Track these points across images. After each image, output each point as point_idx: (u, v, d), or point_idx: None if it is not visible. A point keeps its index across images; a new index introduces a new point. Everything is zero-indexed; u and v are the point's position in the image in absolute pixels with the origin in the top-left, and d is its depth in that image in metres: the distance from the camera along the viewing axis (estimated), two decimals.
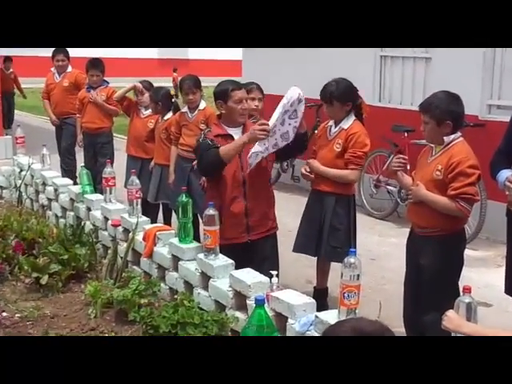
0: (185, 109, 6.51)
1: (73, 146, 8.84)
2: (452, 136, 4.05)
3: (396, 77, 8.81)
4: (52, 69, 9.03)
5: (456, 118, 4.04)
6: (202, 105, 6.44)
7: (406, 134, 7.91)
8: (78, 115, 8.35)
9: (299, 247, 5.36)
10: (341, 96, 5.06)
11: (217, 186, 4.66)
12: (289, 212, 6.68)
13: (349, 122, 5.12)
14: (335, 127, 5.14)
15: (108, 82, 8.26)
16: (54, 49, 8.78)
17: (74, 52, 8.73)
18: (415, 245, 4.25)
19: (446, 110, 4.00)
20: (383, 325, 2.00)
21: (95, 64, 8.10)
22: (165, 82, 28.57)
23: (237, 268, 4.26)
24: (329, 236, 5.10)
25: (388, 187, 8.28)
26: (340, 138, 5.09)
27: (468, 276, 4.16)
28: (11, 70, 15.59)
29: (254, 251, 4.69)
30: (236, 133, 4.67)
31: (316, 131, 6.63)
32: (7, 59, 15.49)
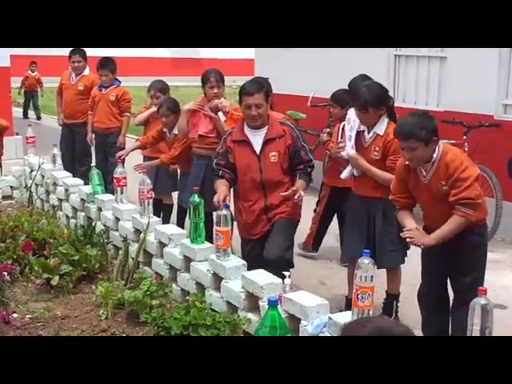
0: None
1: (88, 148, 8.72)
2: (437, 149, 4.03)
3: (410, 76, 8.73)
4: (69, 68, 8.92)
5: (436, 132, 4.03)
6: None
7: None
8: (90, 112, 8.29)
9: (351, 255, 4.95)
10: (375, 102, 4.76)
11: (237, 189, 5.06)
12: None
13: (383, 127, 4.82)
14: (368, 133, 4.87)
15: (120, 82, 8.21)
16: (70, 49, 8.71)
17: (88, 53, 8.71)
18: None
19: (430, 129, 3.98)
20: (409, 328, 1.94)
21: (104, 64, 8.05)
22: (178, 81, 28.76)
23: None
24: (383, 241, 4.89)
25: None
26: (377, 145, 4.81)
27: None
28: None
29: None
30: (257, 135, 4.88)
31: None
32: None
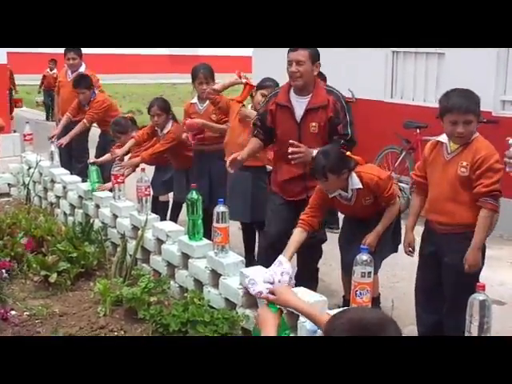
0: (194, 99, 6.37)
1: (86, 145, 8.72)
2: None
3: (408, 72, 8.72)
4: (65, 65, 8.93)
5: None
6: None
7: (418, 131, 7.82)
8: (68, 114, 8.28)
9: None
10: (335, 168, 4.33)
11: (277, 149, 5.05)
12: None
13: (356, 181, 4.48)
14: (347, 192, 4.57)
15: (95, 93, 8.12)
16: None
17: (84, 49, 8.68)
18: (436, 243, 4.16)
19: (479, 104, 3.94)
20: (386, 314, 1.94)
21: (78, 82, 8.02)
22: (176, 78, 28.76)
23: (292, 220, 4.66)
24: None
25: (400, 184, 8.20)
26: (364, 197, 4.56)
27: (482, 274, 4.09)
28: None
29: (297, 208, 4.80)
30: (300, 101, 4.77)
31: None
32: None
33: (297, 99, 4.80)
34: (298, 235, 4.34)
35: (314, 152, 4.51)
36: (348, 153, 4.49)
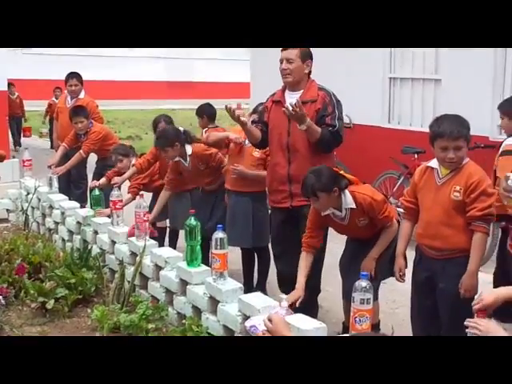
0: (176, 158, 6.12)
1: (84, 171, 8.72)
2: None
3: (405, 98, 8.78)
4: (65, 91, 8.98)
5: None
6: (189, 149, 6.13)
7: (416, 156, 7.84)
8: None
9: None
10: (325, 187, 4.34)
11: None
12: None
13: (350, 200, 4.48)
14: (341, 211, 4.55)
15: (92, 123, 8.13)
16: (67, 73, 8.75)
17: (85, 76, 8.78)
18: (430, 269, 4.15)
19: (469, 130, 3.98)
20: None
21: (76, 112, 8.04)
22: (174, 103, 28.92)
23: (283, 230, 5.08)
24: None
25: (398, 209, 8.19)
26: (358, 217, 4.56)
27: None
28: (16, 94, 16.11)
29: (299, 217, 4.91)
30: (292, 96, 4.88)
31: None
32: (9, 85, 15.72)
33: (290, 95, 4.99)
34: (304, 260, 4.50)
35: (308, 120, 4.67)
36: (342, 172, 4.53)
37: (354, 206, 4.43)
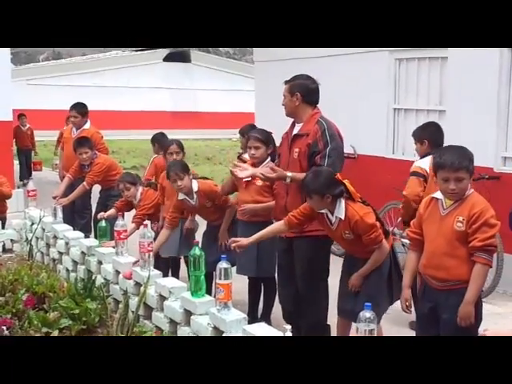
0: (180, 196, 6.08)
1: (88, 201, 8.75)
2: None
3: (410, 129, 8.75)
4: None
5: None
6: (195, 186, 6.06)
7: None
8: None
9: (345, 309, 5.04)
10: (319, 190, 4.62)
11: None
12: None
13: (342, 210, 4.68)
14: (332, 215, 4.75)
15: (96, 154, 8.28)
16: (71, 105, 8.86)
17: (90, 106, 8.89)
18: (434, 300, 4.14)
19: (472, 161, 4.01)
20: None
21: (80, 143, 8.15)
22: (178, 134, 28.98)
23: (284, 259, 5.23)
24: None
25: (403, 240, 8.18)
26: (344, 229, 4.76)
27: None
28: (28, 125, 15.87)
29: (293, 249, 5.11)
30: (297, 129, 5.15)
31: None
32: (21, 116, 15.68)
33: (296, 126, 5.19)
34: (275, 225, 5.02)
35: (289, 174, 4.91)
36: (346, 181, 4.64)
37: (342, 217, 4.60)
